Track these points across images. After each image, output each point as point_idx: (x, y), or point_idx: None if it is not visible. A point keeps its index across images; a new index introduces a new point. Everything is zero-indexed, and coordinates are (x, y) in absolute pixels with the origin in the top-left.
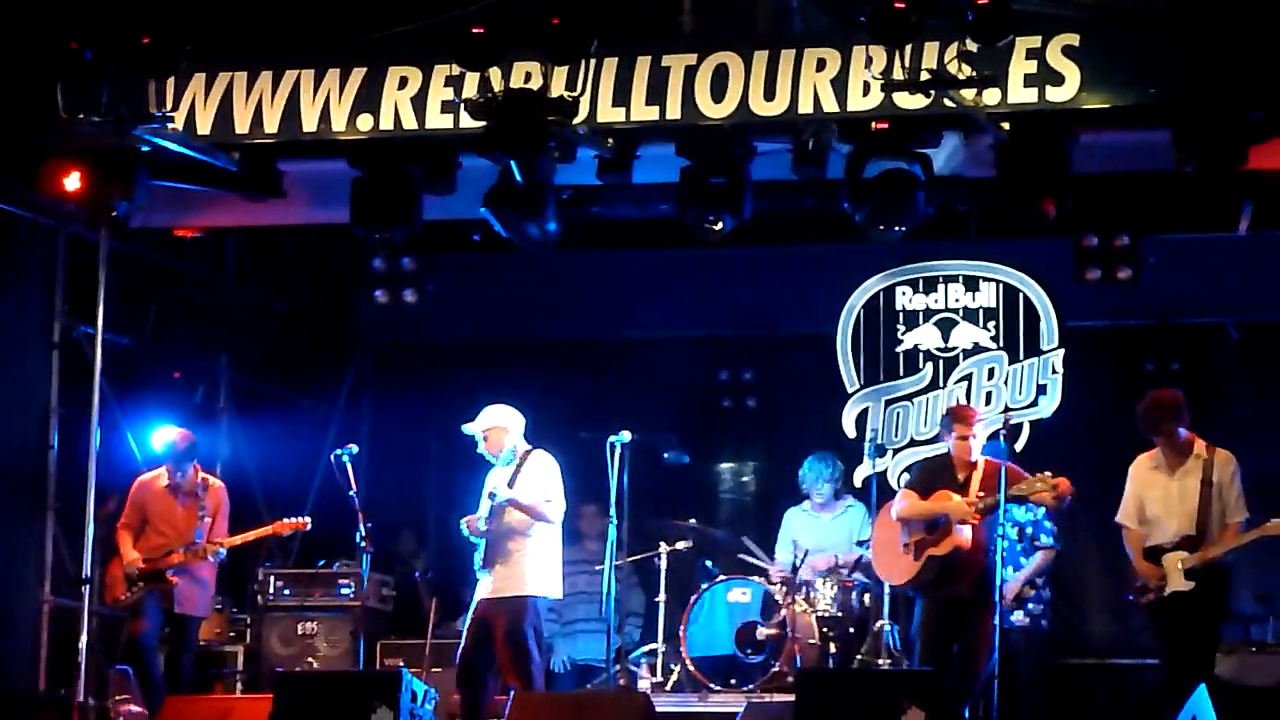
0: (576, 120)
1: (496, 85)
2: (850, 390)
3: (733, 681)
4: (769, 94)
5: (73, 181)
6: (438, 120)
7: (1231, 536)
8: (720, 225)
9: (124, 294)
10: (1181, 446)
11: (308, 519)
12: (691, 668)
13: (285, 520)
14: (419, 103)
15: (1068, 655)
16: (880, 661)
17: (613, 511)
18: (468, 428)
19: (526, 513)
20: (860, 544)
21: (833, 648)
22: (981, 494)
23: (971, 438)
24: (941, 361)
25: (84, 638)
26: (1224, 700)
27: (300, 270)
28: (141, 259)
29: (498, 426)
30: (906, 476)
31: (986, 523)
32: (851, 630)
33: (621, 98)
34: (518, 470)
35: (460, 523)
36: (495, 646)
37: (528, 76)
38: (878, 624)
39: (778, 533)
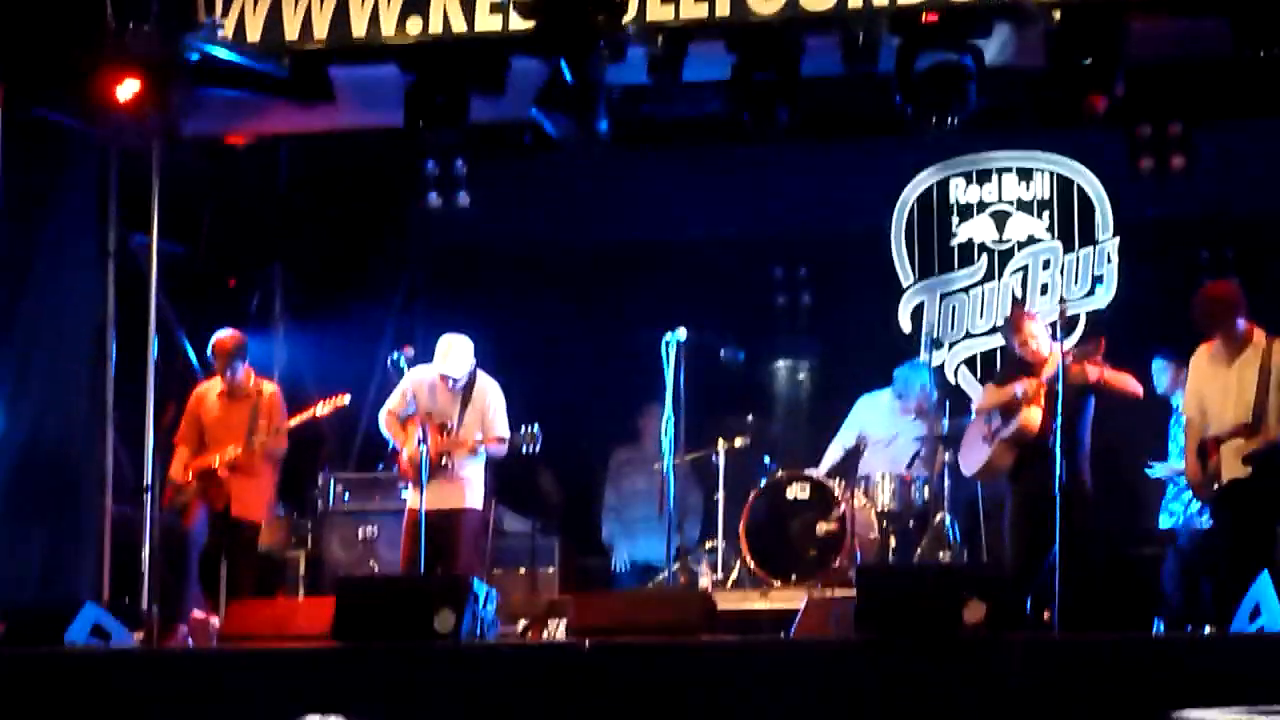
0: (626, 19)
1: None
2: (905, 285)
3: (793, 578)
4: None
5: (124, 91)
6: (487, 21)
7: None
8: (771, 122)
9: (177, 203)
10: (1240, 337)
11: (346, 395)
12: (751, 564)
13: (325, 400)
14: (468, 4)
15: (1127, 544)
16: (941, 555)
17: (669, 410)
18: (452, 371)
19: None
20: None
21: (893, 542)
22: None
23: (1032, 339)
24: (996, 254)
25: (146, 546)
26: None
27: (352, 176)
28: (193, 168)
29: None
30: (964, 370)
31: (1064, 407)
32: (911, 525)
33: None
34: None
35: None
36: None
37: None
38: (938, 518)
39: (842, 421)
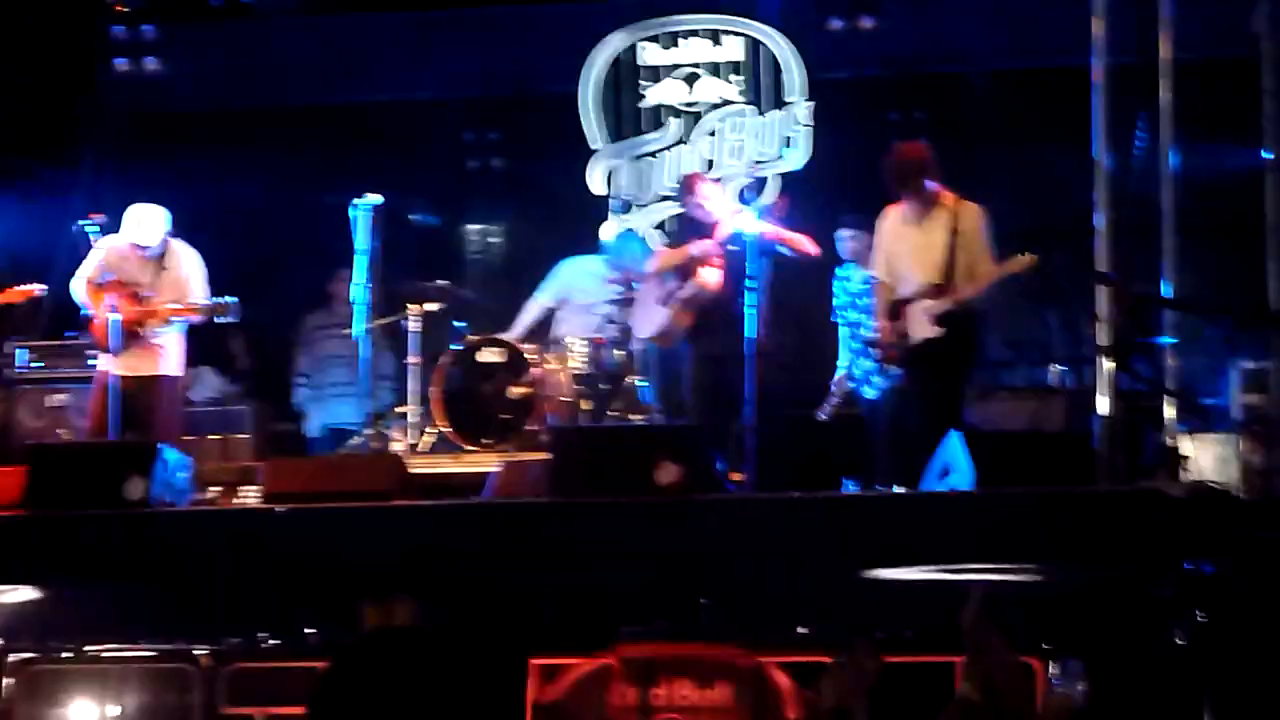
0: None
1: None
2: (595, 148)
3: (486, 442)
4: None
5: None
6: None
7: (980, 278)
8: None
9: None
10: (929, 199)
11: (40, 286)
12: (444, 429)
13: (16, 288)
14: None
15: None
16: (634, 418)
17: (361, 275)
18: (142, 240)
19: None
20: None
21: (585, 405)
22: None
23: (706, 201)
24: (687, 116)
25: None
26: (976, 445)
27: (38, 38)
28: None
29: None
30: (658, 233)
31: (738, 269)
32: (604, 387)
33: None
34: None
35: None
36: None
37: None
38: (630, 380)
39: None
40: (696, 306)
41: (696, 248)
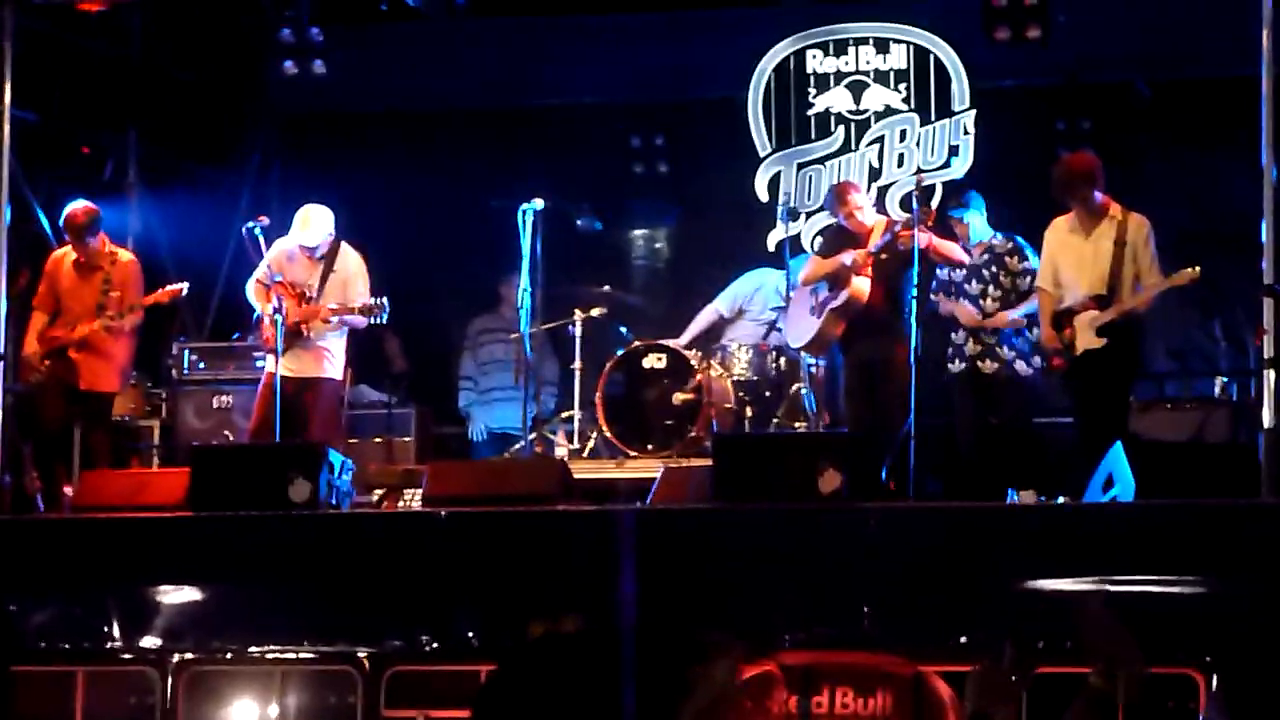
0: None
1: None
2: (762, 154)
3: (649, 448)
4: None
5: None
6: None
7: (1145, 290)
8: None
9: (28, 70)
10: (1096, 209)
11: (183, 284)
12: (608, 434)
13: (163, 289)
14: None
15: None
16: (796, 425)
17: (526, 279)
18: (308, 241)
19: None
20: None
21: (749, 412)
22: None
23: (857, 210)
24: (853, 124)
25: None
26: (1138, 456)
27: (207, 42)
28: (45, 34)
29: (330, 233)
30: (820, 240)
31: (892, 276)
32: (767, 394)
33: None
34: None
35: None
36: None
37: None
38: (794, 387)
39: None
40: (849, 316)
41: (848, 257)
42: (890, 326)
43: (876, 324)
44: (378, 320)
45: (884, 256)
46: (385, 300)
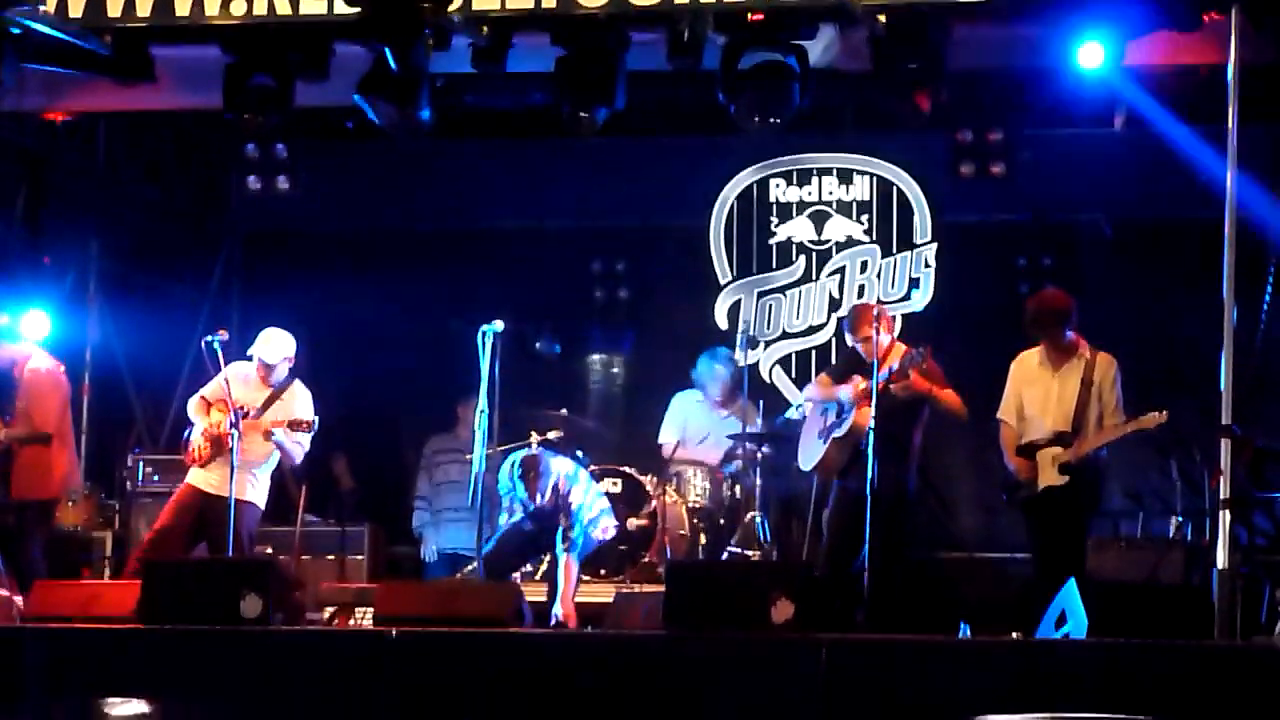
0: (451, 7)
1: None
2: (723, 282)
3: (602, 572)
4: None
5: None
6: (312, 5)
7: (1108, 430)
8: (594, 116)
9: None
10: (1066, 347)
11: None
12: None
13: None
14: None
15: (935, 549)
16: (750, 553)
17: (483, 401)
18: (266, 356)
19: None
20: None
21: (703, 539)
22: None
23: (875, 333)
24: (815, 254)
25: None
26: (1093, 594)
27: (172, 157)
28: (10, 143)
29: (288, 358)
30: (779, 369)
31: (895, 411)
32: (722, 522)
33: None
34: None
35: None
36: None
37: None
38: (749, 515)
39: (662, 418)
40: (852, 445)
41: (846, 390)
42: (886, 460)
43: (877, 455)
44: (306, 432)
45: (893, 386)
46: (315, 419)
